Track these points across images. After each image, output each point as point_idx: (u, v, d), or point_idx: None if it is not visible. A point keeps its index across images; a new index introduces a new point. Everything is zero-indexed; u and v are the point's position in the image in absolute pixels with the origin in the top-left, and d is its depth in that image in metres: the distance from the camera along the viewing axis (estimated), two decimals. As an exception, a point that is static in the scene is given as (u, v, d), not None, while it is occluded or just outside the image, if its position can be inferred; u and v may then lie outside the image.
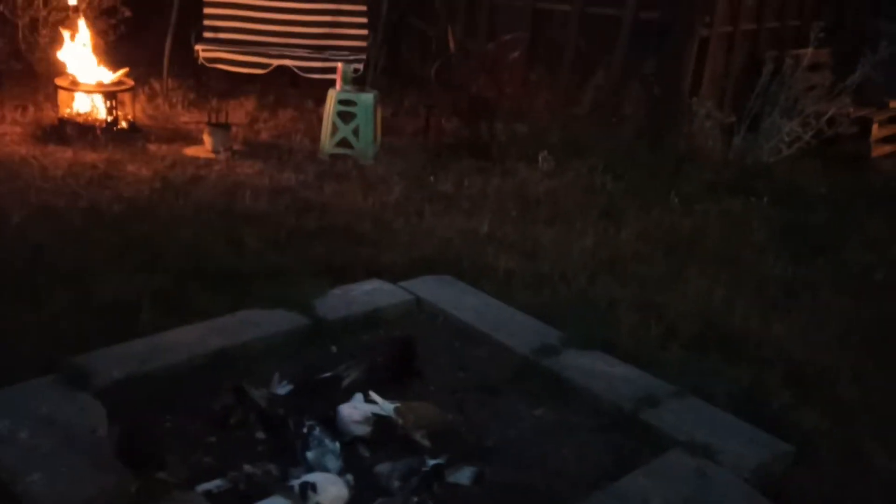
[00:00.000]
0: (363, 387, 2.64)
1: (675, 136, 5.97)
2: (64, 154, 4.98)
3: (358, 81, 5.76)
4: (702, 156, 5.83)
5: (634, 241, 4.42)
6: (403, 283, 3.50)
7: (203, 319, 3.03)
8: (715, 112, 5.99)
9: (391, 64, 7.39)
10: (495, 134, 6.01)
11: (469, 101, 6.43)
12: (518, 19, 7.25)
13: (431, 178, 5.19)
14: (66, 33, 5.63)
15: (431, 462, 2.36)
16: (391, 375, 2.75)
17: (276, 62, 6.49)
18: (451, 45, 6.94)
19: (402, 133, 6.21)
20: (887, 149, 6.34)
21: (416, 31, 7.80)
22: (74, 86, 5.42)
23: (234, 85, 6.56)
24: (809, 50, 6.20)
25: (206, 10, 6.72)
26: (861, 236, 4.62)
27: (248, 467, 2.24)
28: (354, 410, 2.51)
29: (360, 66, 6.29)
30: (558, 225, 4.59)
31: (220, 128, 5.36)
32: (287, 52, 6.61)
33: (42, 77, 6.03)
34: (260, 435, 2.47)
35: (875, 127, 6.17)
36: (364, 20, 7.00)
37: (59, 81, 5.46)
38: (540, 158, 5.58)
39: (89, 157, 4.97)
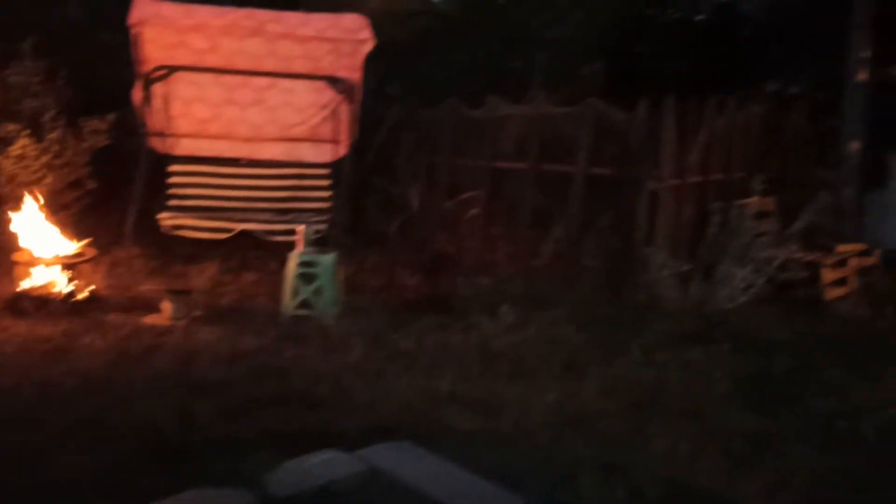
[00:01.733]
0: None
1: (634, 286, 6.08)
2: (18, 329, 4.92)
3: (320, 242, 5.86)
4: (661, 305, 5.91)
5: (597, 395, 4.36)
6: (360, 452, 3.39)
7: (148, 501, 2.89)
8: (670, 261, 6.13)
9: (355, 222, 7.58)
10: (457, 288, 6.07)
11: (431, 257, 6.56)
12: (477, 177, 7.53)
13: (393, 335, 5.18)
14: (26, 207, 5.71)
15: None
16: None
17: (239, 226, 6.62)
18: (414, 203, 7.18)
19: (365, 290, 6.25)
20: (839, 292, 6.49)
21: (379, 191, 8.06)
22: (33, 259, 5.44)
23: (198, 250, 6.63)
24: (755, 199, 6.47)
25: (171, 179, 6.92)
26: (822, 383, 4.61)
27: None
28: None
29: (323, 227, 6.43)
30: (521, 380, 4.54)
31: (179, 294, 5.36)
32: (251, 216, 6.77)
33: (4, 251, 6.05)
34: None
35: (825, 271, 6.35)
36: (327, 182, 7.25)
37: (16, 256, 5.48)
38: (502, 311, 5.61)
39: (45, 330, 4.91)
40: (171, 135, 7.01)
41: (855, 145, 8.13)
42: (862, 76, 8.12)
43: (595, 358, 4.91)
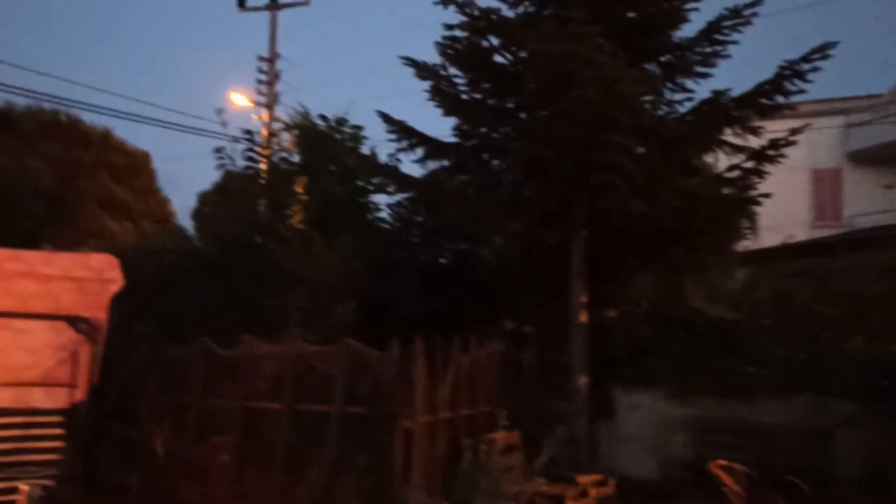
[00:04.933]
0: None
1: (392, 528, 6.01)
2: None
3: (47, 501, 5.20)
4: (420, 546, 5.87)
5: None
6: None
7: None
8: (426, 499, 6.17)
9: (87, 473, 6.84)
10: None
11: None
12: (229, 419, 7.24)
13: None
14: None
15: None
16: None
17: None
18: (159, 449, 6.69)
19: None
20: (583, 520, 6.88)
21: (119, 437, 7.43)
22: None
23: None
24: (501, 433, 6.84)
25: None
26: None
27: None
28: None
29: (51, 483, 5.76)
30: None
31: None
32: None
33: None
34: None
35: (569, 503, 6.72)
36: (59, 431, 6.57)
37: None
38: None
39: None
40: None
41: (582, 379, 9.02)
42: (582, 318, 9.23)
43: None
